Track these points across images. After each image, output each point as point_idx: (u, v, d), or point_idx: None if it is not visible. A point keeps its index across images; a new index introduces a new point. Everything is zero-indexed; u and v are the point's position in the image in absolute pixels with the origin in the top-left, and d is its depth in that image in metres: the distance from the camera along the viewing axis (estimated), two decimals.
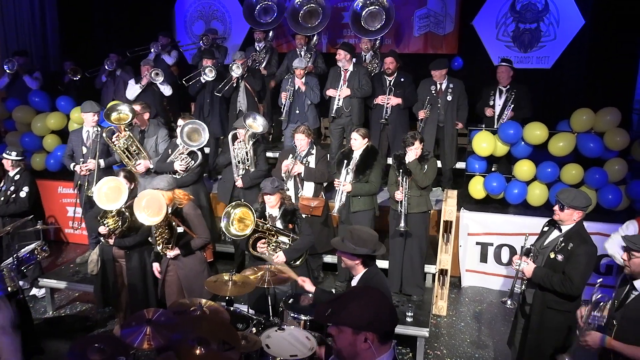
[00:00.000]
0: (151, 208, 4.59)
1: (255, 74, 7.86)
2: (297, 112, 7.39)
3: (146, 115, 6.56)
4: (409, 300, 5.73)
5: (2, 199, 6.27)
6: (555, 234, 4.22)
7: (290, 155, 5.97)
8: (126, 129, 6.19)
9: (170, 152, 6.19)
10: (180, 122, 6.24)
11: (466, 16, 9.09)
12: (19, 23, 9.76)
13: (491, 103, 7.20)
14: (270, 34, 8.92)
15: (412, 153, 5.46)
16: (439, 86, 7.13)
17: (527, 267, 4.19)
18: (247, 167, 6.16)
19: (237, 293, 4.22)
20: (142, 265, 5.25)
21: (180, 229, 4.91)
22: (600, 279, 3.75)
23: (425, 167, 5.52)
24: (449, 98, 7.09)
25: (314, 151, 6.01)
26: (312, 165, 5.95)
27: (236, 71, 7.45)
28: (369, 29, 7.93)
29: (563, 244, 4.08)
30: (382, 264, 6.14)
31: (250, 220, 4.68)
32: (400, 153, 5.63)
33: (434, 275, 6.13)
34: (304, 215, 5.40)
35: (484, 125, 7.11)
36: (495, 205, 7.04)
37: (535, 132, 6.63)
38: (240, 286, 4.22)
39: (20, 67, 8.51)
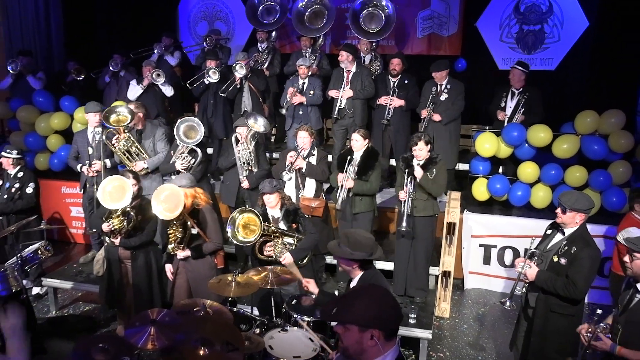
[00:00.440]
0: (168, 203, 4.58)
1: (259, 74, 7.87)
2: (301, 113, 7.39)
3: (140, 114, 6.53)
4: (412, 302, 5.73)
5: (6, 197, 6.26)
6: (558, 237, 4.20)
7: (294, 151, 6.00)
8: (125, 131, 6.19)
9: (172, 153, 6.19)
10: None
11: (470, 17, 9.07)
12: (23, 23, 9.77)
13: (502, 105, 7.17)
14: (273, 34, 8.92)
15: (418, 170, 5.43)
16: (439, 87, 7.13)
17: (530, 270, 4.16)
18: (250, 168, 6.16)
19: (240, 294, 4.22)
20: (147, 265, 5.25)
21: (194, 231, 4.88)
22: (600, 311, 3.71)
23: (434, 171, 5.46)
24: (443, 98, 7.07)
25: (315, 152, 6.03)
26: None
27: (240, 71, 7.46)
28: (367, 30, 7.92)
29: (566, 247, 4.06)
30: (387, 265, 6.15)
31: (256, 225, 4.67)
32: (407, 155, 5.62)
33: (437, 277, 6.12)
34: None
35: (487, 127, 7.09)
36: (498, 207, 7.04)
37: (539, 134, 6.62)
38: (243, 287, 4.22)
39: (24, 67, 8.52)
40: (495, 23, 8.93)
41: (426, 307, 5.71)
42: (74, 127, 7.81)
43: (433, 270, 6.14)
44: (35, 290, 6.59)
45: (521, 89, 7.05)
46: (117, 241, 5.11)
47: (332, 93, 7.27)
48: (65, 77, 9.16)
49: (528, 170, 6.75)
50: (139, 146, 6.29)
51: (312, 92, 7.31)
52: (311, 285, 4.07)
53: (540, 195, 6.80)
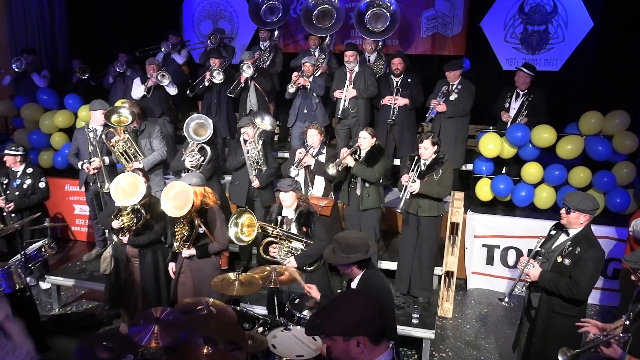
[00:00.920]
0: (177, 200, 4.60)
1: (265, 74, 7.87)
2: (305, 111, 7.38)
3: (134, 112, 6.50)
4: (415, 302, 5.72)
5: (18, 193, 6.31)
6: (562, 238, 4.19)
7: (303, 149, 6.00)
8: (125, 132, 6.19)
9: (183, 151, 6.20)
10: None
11: (474, 17, 9.06)
12: (27, 21, 9.81)
13: (507, 105, 7.15)
14: (276, 33, 8.92)
15: (416, 185, 5.40)
16: (451, 87, 7.12)
17: (534, 270, 4.15)
18: (260, 167, 6.15)
19: (243, 293, 4.22)
20: (155, 264, 5.24)
21: (200, 230, 4.89)
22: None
23: (440, 171, 5.43)
24: (452, 97, 7.07)
25: (324, 151, 6.04)
26: None
27: (247, 71, 7.46)
28: (372, 30, 7.91)
29: (570, 248, 4.05)
30: (391, 265, 6.14)
31: (253, 225, 4.71)
32: (414, 154, 5.61)
33: (440, 277, 6.12)
34: None
35: (491, 127, 7.08)
36: (502, 207, 7.03)
37: (544, 134, 6.61)
38: (246, 286, 4.22)
39: (29, 65, 8.55)
40: (499, 23, 8.92)
41: (429, 307, 5.70)
42: (78, 125, 7.82)
43: (436, 270, 6.14)
44: (45, 285, 6.61)
45: (526, 91, 7.04)
46: (125, 239, 5.11)
47: (336, 94, 7.26)
48: (70, 76, 9.17)
49: (532, 171, 6.74)
50: (137, 148, 6.29)
51: (316, 83, 7.29)
52: (313, 291, 4.07)
53: (544, 196, 6.79)
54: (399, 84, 7.20)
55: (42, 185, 6.45)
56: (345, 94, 7.18)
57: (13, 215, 6.27)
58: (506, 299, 4.32)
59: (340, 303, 2.25)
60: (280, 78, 8.73)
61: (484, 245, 6.79)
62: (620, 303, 5.93)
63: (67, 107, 8.05)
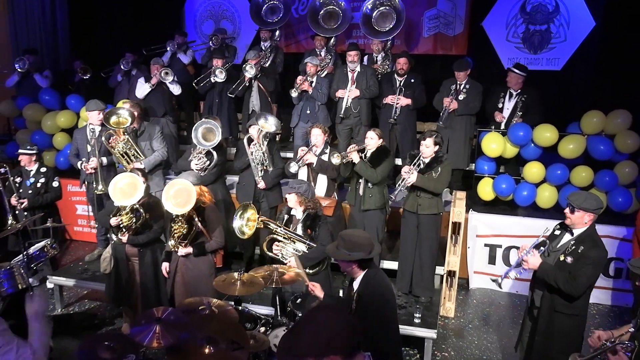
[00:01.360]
0: (179, 198, 4.63)
1: (269, 75, 7.86)
2: (308, 112, 7.38)
3: (135, 113, 6.53)
4: (417, 302, 5.73)
5: (31, 192, 6.35)
6: (567, 237, 4.19)
7: (305, 146, 6.00)
8: (124, 133, 6.20)
9: (192, 151, 6.20)
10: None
11: (476, 17, 9.06)
12: (29, 21, 9.83)
13: (500, 106, 7.15)
14: (277, 33, 8.92)
15: (414, 176, 5.41)
16: (459, 87, 7.12)
17: (534, 259, 4.13)
18: (266, 168, 6.15)
19: (245, 292, 4.22)
20: (154, 263, 5.26)
21: (198, 228, 4.92)
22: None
23: (439, 169, 5.47)
24: (461, 97, 7.07)
25: (327, 150, 6.03)
26: None
27: (250, 71, 7.47)
28: (380, 30, 7.90)
29: (574, 247, 4.05)
30: (392, 264, 6.14)
31: (254, 220, 4.73)
32: (415, 152, 5.63)
33: (442, 276, 6.12)
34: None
35: (493, 127, 7.08)
36: (504, 207, 7.03)
37: (545, 134, 6.61)
38: (248, 286, 4.23)
39: (31, 66, 8.57)
40: (501, 23, 8.91)
41: (431, 307, 5.71)
42: (80, 125, 7.84)
43: (438, 269, 6.14)
44: (48, 285, 6.63)
45: (519, 91, 7.04)
46: (124, 238, 5.13)
47: (339, 94, 7.26)
48: (72, 77, 9.19)
49: (534, 170, 6.74)
50: (136, 149, 6.30)
51: (319, 90, 7.30)
52: (317, 290, 4.07)
53: (546, 195, 6.79)
54: (402, 84, 7.20)
55: (55, 184, 6.51)
56: (348, 94, 7.18)
57: (26, 213, 6.31)
58: (500, 281, 4.33)
59: (306, 324, 2.14)
60: (280, 78, 8.73)
61: (486, 245, 6.78)
62: (634, 304, 5.95)
63: (69, 107, 8.07)
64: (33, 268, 5.44)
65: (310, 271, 4.85)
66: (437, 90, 7.35)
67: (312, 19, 8.22)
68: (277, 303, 4.53)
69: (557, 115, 7.29)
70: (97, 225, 7.11)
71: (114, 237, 5.24)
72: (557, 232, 4.31)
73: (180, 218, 4.81)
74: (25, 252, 5.24)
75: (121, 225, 5.09)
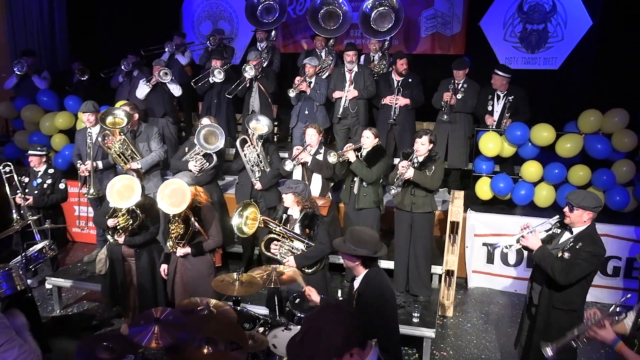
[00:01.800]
0: (174, 198, 4.63)
1: (269, 76, 7.87)
2: (307, 112, 7.39)
3: (135, 117, 6.53)
4: (416, 301, 5.73)
5: (36, 192, 6.37)
6: (566, 235, 4.21)
7: (301, 145, 6.01)
8: (121, 133, 6.20)
9: (186, 151, 6.21)
10: (205, 120, 6.25)
11: (473, 17, 9.08)
12: (27, 23, 9.82)
13: (490, 108, 7.16)
14: (273, 33, 8.91)
15: (410, 172, 5.43)
16: (457, 85, 7.14)
17: (534, 238, 4.17)
18: (262, 169, 6.15)
19: (244, 293, 4.23)
20: (151, 264, 5.26)
21: (195, 228, 4.91)
22: (629, 295, 3.66)
23: (433, 167, 5.51)
24: (459, 96, 7.09)
25: (322, 150, 6.03)
26: None
27: (249, 72, 7.46)
28: (378, 29, 7.89)
29: (572, 244, 4.08)
30: (388, 264, 6.15)
31: (255, 219, 4.72)
32: (408, 151, 5.65)
33: (440, 276, 6.13)
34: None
35: (491, 126, 7.09)
36: (501, 206, 7.03)
37: (543, 133, 6.62)
38: (247, 286, 4.23)
39: (29, 68, 8.56)
40: (498, 22, 8.93)
41: (430, 306, 5.72)
42: (78, 126, 7.85)
43: (437, 269, 6.16)
44: (46, 286, 6.64)
45: (505, 92, 7.06)
46: (121, 239, 5.13)
47: (337, 95, 7.27)
48: (70, 78, 9.19)
49: (531, 169, 6.74)
50: (133, 149, 6.31)
51: (317, 91, 7.31)
52: (313, 294, 4.08)
53: (544, 194, 6.79)
54: (400, 84, 7.21)
55: (61, 186, 6.53)
56: (346, 94, 7.19)
57: (30, 213, 6.31)
58: (496, 246, 4.36)
59: (319, 327, 2.20)
60: (278, 78, 8.72)
61: (484, 244, 6.77)
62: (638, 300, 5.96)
63: (68, 108, 8.07)
64: (32, 269, 5.46)
65: (308, 270, 4.85)
66: (435, 90, 7.36)
67: (312, 18, 8.19)
68: (275, 303, 4.54)
69: (554, 114, 7.31)
70: (96, 226, 7.12)
71: (110, 238, 5.25)
72: (557, 231, 4.32)
73: (176, 218, 4.81)
74: (24, 254, 5.26)
75: (118, 227, 5.10)
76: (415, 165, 5.52)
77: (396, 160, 7.46)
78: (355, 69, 7.26)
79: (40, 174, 6.46)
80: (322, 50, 8.35)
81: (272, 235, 4.85)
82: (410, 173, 5.43)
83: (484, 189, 7.01)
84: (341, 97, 7.23)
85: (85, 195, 6.60)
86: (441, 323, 5.98)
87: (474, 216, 6.74)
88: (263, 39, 8.73)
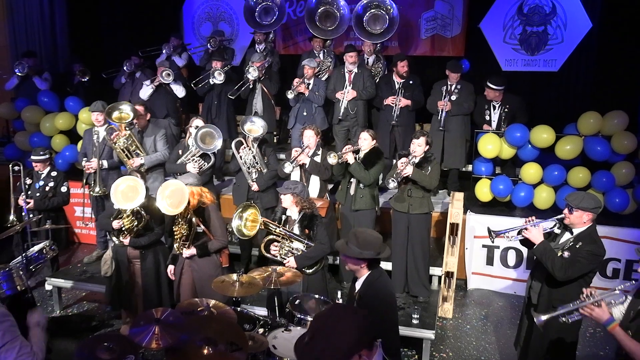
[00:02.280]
0: (173, 199, 4.65)
1: (272, 78, 7.87)
2: (305, 114, 7.40)
3: (147, 116, 6.58)
4: (415, 302, 5.74)
5: (38, 194, 6.37)
6: (566, 236, 4.23)
7: (299, 147, 6.02)
8: (127, 129, 6.23)
9: (180, 153, 6.22)
10: (197, 122, 6.26)
11: (473, 19, 9.08)
12: (28, 24, 9.82)
13: (487, 118, 7.18)
14: (271, 35, 8.91)
15: (409, 169, 5.45)
16: (450, 88, 7.15)
17: (536, 232, 4.20)
18: (259, 170, 6.16)
19: (244, 294, 4.23)
20: (156, 266, 5.26)
21: (199, 229, 4.93)
22: (630, 283, 3.67)
23: (429, 168, 5.54)
24: (454, 97, 7.10)
25: (319, 152, 6.05)
26: None
27: (252, 74, 7.47)
28: (371, 31, 7.89)
29: (572, 243, 4.10)
30: (386, 265, 6.15)
31: (256, 220, 4.72)
32: (404, 152, 5.68)
33: (440, 277, 6.13)
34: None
35: (490, 128, 7.11)
36: (501, 208, 7.04)
37: (542, 135, 6.63)
38: (247, 287, 4.24)
39: (30, 69, 8.57)
40: (498, 24, 8.94)
41: (429, 308, 5.72)
42: (79, 127, 7.87)
43: (436, 270, 6.16)
44: (47, 287, 6.65)
45: (500, 102, 7.08)
46: (126, 241, 5.14)
47: (337, 95, 7.28)
48: (71, 79, 9.20)
49: (531, 171, 6.76)
50: (139, 145, 6.34)
51: (316, 92, 7.32)
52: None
53: (544, 196, 6.80)
54: (400, 85, 7.22)
55: (63, 189, 6.51)
56: (346, 96, 7.20)
57: (31, 215, 6.31)
58: (494, 236, 4.38)
59: (330, 327, 2.17)
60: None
61: (483, 246, 6.79)
62: None
63: (68, 109, 8.08)
64: (32, 269, 5.46)
65: (308, 271, 4.87)
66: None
67: (309, 19, 8.19)
68: (275, 304, 4.54)
69: (554, 116, 7.31)
70: (97, 227, 7.12)
71: (114, 239, 5.25)
72: (558, 231, 4.34)
73: (180, 219, 4.82)
74: (24, 254, 5.27)
75: (123, 228, 5.10)
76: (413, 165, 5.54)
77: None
78: (355, 70, 7.27)
79: (42, 176, 6.45)
80: (320, 51, 8.35)
81: (271, 237, 4.86)
82: (409, 170, 5.45)
83: (483, 191, 7.02)
84: (341, 99, 7.23)
85: (90, 193, 6.60)
86: (441, 324, 5.98)
87: (474, 218, 6.75)
88: (261, 41, 8.73)
